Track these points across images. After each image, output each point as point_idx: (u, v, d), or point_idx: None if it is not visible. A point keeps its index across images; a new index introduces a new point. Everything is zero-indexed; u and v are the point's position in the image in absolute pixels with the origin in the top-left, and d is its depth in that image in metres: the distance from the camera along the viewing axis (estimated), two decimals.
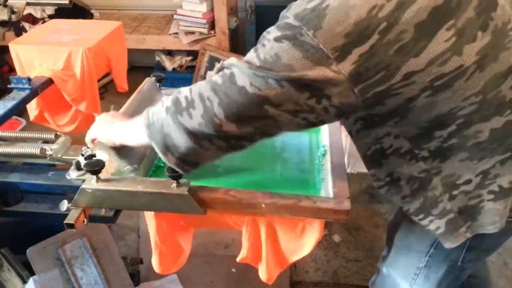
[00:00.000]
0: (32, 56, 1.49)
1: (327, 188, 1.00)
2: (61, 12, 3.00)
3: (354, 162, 2.27)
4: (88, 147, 1.09)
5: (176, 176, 0.91)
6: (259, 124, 0.76)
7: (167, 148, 0.82)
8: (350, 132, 0.92)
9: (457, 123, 0.78)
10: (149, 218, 1.02)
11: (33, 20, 3.13)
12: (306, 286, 1.87)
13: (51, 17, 3.08)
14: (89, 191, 0.94)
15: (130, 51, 1.83)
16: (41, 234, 1.47)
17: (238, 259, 1.03)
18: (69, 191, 1.06)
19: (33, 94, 1.38)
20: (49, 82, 1.45)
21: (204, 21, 2.97)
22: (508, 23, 0.77)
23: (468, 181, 0.84)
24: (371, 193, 2.31)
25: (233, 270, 1.68)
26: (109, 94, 3.09)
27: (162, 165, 1.14)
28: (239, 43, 3.25)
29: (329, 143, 1.16)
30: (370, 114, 0.79)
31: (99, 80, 1.61)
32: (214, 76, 0.77)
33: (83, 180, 0.98)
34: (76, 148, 1.16)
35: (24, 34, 2.05)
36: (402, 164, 0.86)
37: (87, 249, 1.50)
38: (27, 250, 1.42)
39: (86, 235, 1.51)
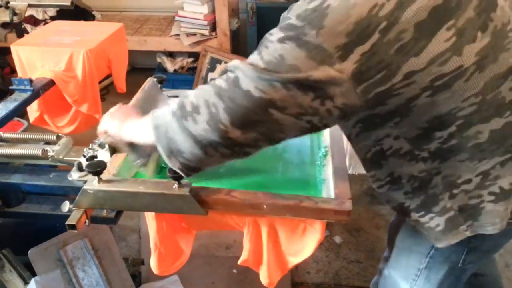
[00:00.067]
0: (34, 58, 1.49)
1: (329, 189, 1.00)
2: (63, 14, 3.00)
3: (355, 164, 2.26)
4: (94, 144, 1.10)
5: (177, 177, 0.91)
6: (264, 129, 0.75)
7: (172, 152, 0.82)
8: (349, 136, 0.92)
9: (456, 124, 0.78)
10: (150, 219, 1.02)
11: (35, 22, 3.14)
12: (307, 287, 1.87)
13: (52, 18, 3.09)
14: (91, 192, 0.94)
15: (132, 53, 1.84)
16: (42, 235, 1.47)
17: (239, 262, 1.03)
18: (71, 192, 1.07)
19: (35, 95, 1.39)
20: (51, 83, 1.45)
21: (206, 22, 2.97)
22: (507, 24, 0.77)
23: (468, 181, 0.84)
24: (372, 194, 2.31)
25: (234, 271, 1.68)
26: (110, 96, 3.09)
27: (164, 165, 1.14)
28: (240, 44, 3.25)
29: (330, 144, 1.16)
30: (371, 114, 0.79)
31: (100, 82, 1.61)
32: (218, 80, 0.77)
33: (85, 181, 0.98)
34: (77, 149, 1.16)
35: (25, 35, 2.06)
36: (402, 165, 0.87)
37: (89, 250, 1.50)
38: (29, 251, 1.42)
39: (87, 236, 1.51)
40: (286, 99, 0.72)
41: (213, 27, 3.01)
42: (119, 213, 1.05)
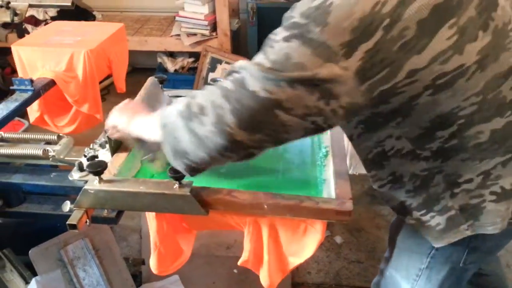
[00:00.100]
0: (35, 58, 1.49)
1: (329, 189, 1.00)
2: (64, 14, 3.01)
3: (356, 164, 2.26)
4: (95, 144, 1.09)
5: (178, 177, 0.91)
6: (270, 131, 0.75)
7: (177, 152, 0.81)
8: (351, 137, 0.92)
9: (458, 123, 0.79)
10: (150, 219, 1.02)
11: (36, 22, 3.14)
12: (308, 287, 1.87)
13: (53, 19, 3.09)
14: (92, 192, 0.94)
15: (132, 53, 1.84)
16: (43, 235, 1.47)
17: (239, 262, 1.03)
18: (72, 192, 1.07)
19: (35, 95, 1.39)
20: (51, 83, 1.45)
21: (206, 22, 2.97)
22: (508, 24, 0.77)
23: (469, 180, 0.84)
24: (373, 194, 2.31)
25: (235, 271, 1.68)
26: (111, 96, 3.09)
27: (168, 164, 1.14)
28: (241, 44, 3.25)
29: (331, 144, 1.16)
30: (374, 113, 0.79)
31: (101, 82, 1.61)
32: (224, 81, 0.77)
33: (86, 181, 0.98)
34: (78, 149, 1.16)
35: (26, 36, 2.06)
36: (404, 164, 0.87)
37: (89, 250, 1.50)
38: (30, 251, 1.42)
39: (88, 236, 1.51)
40: (292, 99, 0.71)
41: (214, 27, 3.02)
42: (120, 213, 1.05)
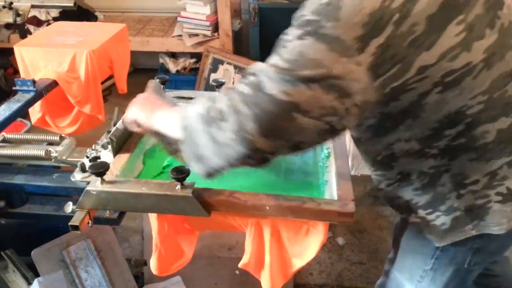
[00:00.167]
0: (37, 58, 1.50)
1: (331, 190, 1.00)
2: (66, 15, 3.01)
3: (358, 165, 2.26)
4: (97, 145, 1.09)
5: (180, 178, 0.91)
6: (288, 136, 0.74)
7: (196, 156, 0.80)
8: (359, 139, 0.92)
9: (465, 122, 0.79)
10: (152, 219, 1.02)
11: (38, 23, 3.14)
12: None
13: (55, 19, 3.09)
14: (94, 193, 0.94)
15: (134, 53, 1.84)
16: (45, 235, 1.47)
17: (240, 265, 1.03)
18: (74, 193, 1.07)
19: (38, 96, 1.39)
20: (54, 84, 1.45)
21: (208, 23, 2.97)
22: None
23: (476, 181, 0.84)
24: (375, 195, 2.30)
25: (237, 272, 1.67)
26: (112, 97, 3.09)
27: (167, 163, 1.14)
28: (243, 45, 3.25)
29: (333, 145, 1.16)
30: (385, 114, 0.79)
31: (103, 83, 1.61)
32: (241, 85, 0.76)
33: (88, 182, 0.98)
34: (81, 150, 1.17)
35: (29, 36, 2.07)
36: (412, 163, 0.87)
37: (92, 251, 1.50)
38: (32, 252, 1.43)
39: (90, 237, 1.51)
40: (309, 101, 0.71)
41: (216, 27, 3.02)
42: (122, 214, 1.05)
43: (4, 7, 1.70)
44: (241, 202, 0.93)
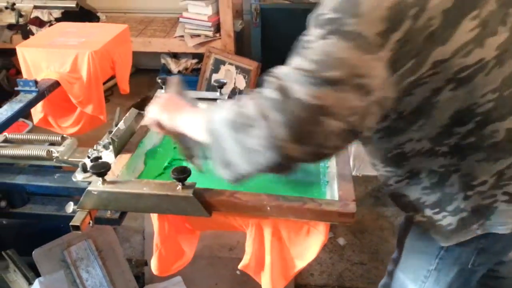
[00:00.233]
0: (39, 59, 1.50)
1: (333, 190, 1.00)
2: (68, 15, 3.02)
3: (359, 165, 2.26)
4: (98, 145, 1.09)
5: (181, 178, 0.91)
6: (316, 141, 0.71)
7: (224, 162, 0.78)
8: (369, 139, 0.91)
9: (475, 121, 0.79)
10: (154, 219, 1.02)
11: (40, 23, 3.15)
12: None
13: (58, 20, 3.10)
14: (95, 193, 0.94)
15: (136, 54, 1.84)
16: (47, 236, 1.48)
17: (240, 266, 1.03)
18: (75, 193, 1.07)
19: (40, 96, 1.39)
20: (56, 84, 1.46)
21: (210, 24, 2.98)
22: None
23: (484, 182, 0.85)
24: (376, 196, 2.30)
25: (238, 272, 1.67)
26: (114, 97, 3.10)
27: (167, 164, 1.14)
28: (244, 45, 3.25)
29: None
30: (398, 112, 0.79)
31: (104, 83, 1.62)
32: (267, 90, 0.72)
33: (89, 182, 0.98)
34: (82, 150, 1.17)
35: (31, 37, 2.07)
36: (422, 161, 0.87)
37: (93, 251, 1.50)
38: (33, 252, 1.43)
39: (91, 237, 1.51)
40: (336, 102, 0.69)
41: (217, 28, 3.02)
42: (123, 214, 1.06)
43: (6, 7, 1.70)
44: (242, 203, 0.93)
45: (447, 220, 0.90)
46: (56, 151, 1.14)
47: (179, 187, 0.93)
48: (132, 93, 1.75)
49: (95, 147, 1.14)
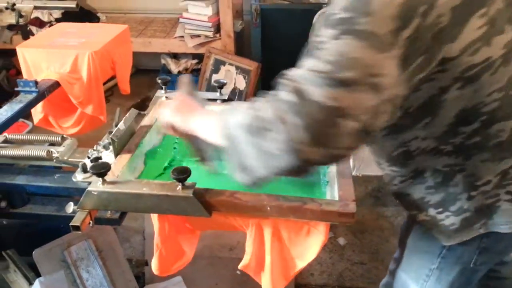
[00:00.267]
0: (39, 59, 1.50)
1: (333, 190, 1.00)
2: (68, 16, 3.02)
3: (359, 165, 2.26)
4: (98, 146, 1.09)
5: (181, 179, 0.91)
6: (333, 143, 0.70)
7: (241, 167, 0.77)
8: (375, 137, 0.90)
9: (480, 120, 0.79)
10: (154, 219, 1.02)
11: (40, 24, 3.16)
12: None
13: (58, 20, 3.11)
14: (95, 193, 0.94)
15: (136, 54, 1.85)
16: (47, 236, 1.48)
17: (240, 266, 1.03)
18: (75, 193, 1.07)
19: (40, 97, 1.39)
20: (56, 85, 1.46)
21: (210, 24, 2.98)
22: None
23: (487, 182, 0.85)
24: (376, 196, 2.30)
25: (238, 272, 1.67)
26: (115, 97, 3.10)
27: (167, 165, 1.14)
28: (245, 46, 3.25)
29: None
30: (404, 108, 0.79)
31: (105, 83, 1.62)
32: (283, 93, 0.71)
33: (89, 183, 0.98)
34: (82, 151, 1.17)
35: (31, 37, 2.07)
36: (427, 160, 0.87)
37: (93, 251, 1.51)
38: (33, 252, 1.43)
39: (91, 237, 1.51)
40: (352, 103, 0.68)
41: (217, 28, 3.02)
42: (123, 214, 1.06)
43: (6, 8, 1.70)
44: (242, 203, 0.93)
45: (450, 220, 0.90)
46: (56, 151, 1.14)
47: (179, 187, 0.93)
48: (132, 93, 1.75)
49: (95, 148, 1.15)
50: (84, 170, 1.06)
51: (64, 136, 1.21)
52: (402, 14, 0.67)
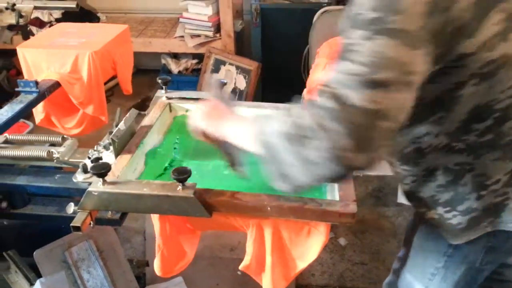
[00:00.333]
0: (40, 60, 1.50)
1: (333, 191, 1.00)
2: (68, 16, 3.02)
3: None
4: (99, 146, 1.08)
5: (182, 179, 0.91)
6: (374, 146, 0.69)
7: (281, 175, 0.75)
8: None
9: (493, 117, 0.79)
10: (155, 220, 1.02)
11: (41, 24, 3.15)
12: None
13: (58, 20, 3.10)
14: (96, 194, 0.94)
15: (136, 54, 1.84)
16: (48, 236, 1.48)
17: (240, 267, 1.03)
18: (76, 194, 1.07)
19: (40, 97, 1.39)
20: (56, 85, 1.45)
21: (210, 24, 2.98)
22: None
23: (497, 181, 0.85)
24: (377, 196, 2.30)
25: (239, 272, 1.67)
26: (115, 97, 3.10)
27: (167, 165, 1.14)
28: (245, 46, 3.25)
29: None
30: (418, 98, 0.77)
31: (105, 83, 1.62)
32: (320, 99, 0.70)
33: (90, 183, 0.98)
34: (82, 151, 1.17)
35: (31, 37, 2.07)
36: (439, 158, 0.87)
37: (94, 251, 1.51)
38: (34, 253, 1.43)
39: (92, 237, 1.51)
40: (390, 104, 0.67)
41: (218, 28, 3.02)
42: (123, 214, 1.05)
43: (6, 8, 1.70)
44: (242, 203, 0.93)
45: (457, 219, 0.90)
46: (56, 152, 1.14)
47: (180, 187, 0.93)
48: (132, 93, 1.75)
49: (95, 148, 1.15)
50: (85, 170, 1.06)
51: (65, 136, 1.21)
52: (431, 9, 0.67)
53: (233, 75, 3.00)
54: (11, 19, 1.72)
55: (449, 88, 0.76)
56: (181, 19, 3.07)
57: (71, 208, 1.01)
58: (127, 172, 1.05)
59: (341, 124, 0.67)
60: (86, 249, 1.50)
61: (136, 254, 1.98)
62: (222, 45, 3.01)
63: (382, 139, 0.69)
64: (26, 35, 2.99)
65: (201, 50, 3.04)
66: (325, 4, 2.68)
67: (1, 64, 3.17)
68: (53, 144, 1.21)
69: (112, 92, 3.13)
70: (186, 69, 3.22)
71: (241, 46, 3.20)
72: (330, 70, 0.71)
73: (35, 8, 1.78)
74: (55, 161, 1.14)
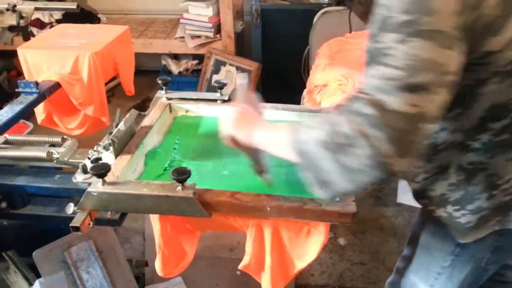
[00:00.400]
0: (40, 60, 1.50)
1: None
2: (69, 17, 3.03)
3: None
4: (99, 146, 1.09)
5: (181, 179, 0.91)
6: (416, 149, 0.69)
7: (322, 183, 0.75)
8: None
9: (511, 116, 0.79)
10: (154, 221, 1.02)
11: (41, 25, 3.16)
12: None
13: (58, 21, 3.11)
14: (95, 194, 0.95)
15: (137, 55, 1.85)
16: (47, 236, 1.48)
17: (240, 267, 1.03)
18: (75, 194, 1.07)
19: (41, 98, 1.40)
20: (57, 86, 1.46)
21: (210, 25, 2.98)
22: None
23: (508, 180, 0.85)
24: (377, 195, 2.30)
25: (238, 273, 1.67)
26: (115, 98, 3.10)
27: (167, 166, 1.15)
28: (245, 46, 3.26)
29: None
30: None
31: (106, 84, 1.62)
32: (357, 106, 0.69)
33: (89, 183, 0.98)
34: (82, 152, 1.17)
35: (32, 38, 2.07)
36: (453, 155, 0.87)
37: (93, 251, 1.51)
38: (33, 253, 1.43)
39: (92, 237, 1.51)
40: (431, 106, 0.67)
41: (218, 29, 3.02)
42: (123, 215, 1.06)
43: (7, 9, 1.71)
44: (242, 203, 0.93)
45: (466, 218, 0.90)
46: (56, 152, 1.14)
47: (179, 188, 0.93)
48: (134, 94, 1.75)
49: (95, 148, 1.15)
50: (84, 171, 1.06)
51: (64, 137, 1.21)
52: (462, 7, 0.67)
53: (233, 76, 3.00)
54: (11, 20, 1.72)
55: (469, 84, 0.76)
56: (181, 20, 3.08)
57: (70, 208, 1.01)
58: (126, 173, 1.05)
59: (382, 130, 0.66)
60: (85, 249, 1.50)
61: (135, 254, 1.98)
62: (223, 46, 3.02)
63: (422, 142, 0.68)
64: (27, 36, 2.99)
65: (202, 51, 3.04)
66: (325, 5, 2.68)
67: (1, 65, 3.18)
68: (53, 145, 1.22)
69: (113, 92, 3.13)
70: (187, 70, 3.22)
71: (242, 47, 3.20)
72: (365, 76, 0.71)
73: (36, 9, 1.78)
74: (54, 161, 1.14)
